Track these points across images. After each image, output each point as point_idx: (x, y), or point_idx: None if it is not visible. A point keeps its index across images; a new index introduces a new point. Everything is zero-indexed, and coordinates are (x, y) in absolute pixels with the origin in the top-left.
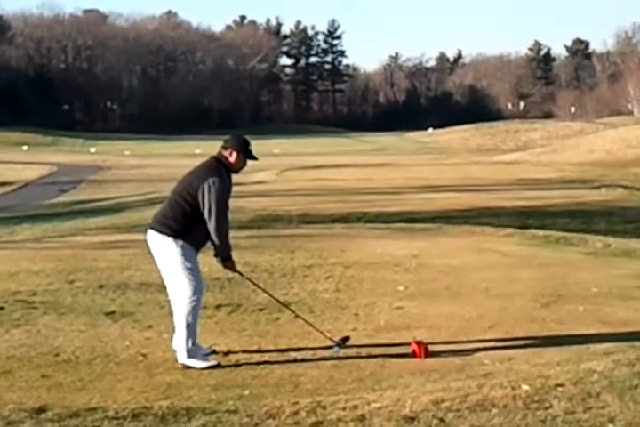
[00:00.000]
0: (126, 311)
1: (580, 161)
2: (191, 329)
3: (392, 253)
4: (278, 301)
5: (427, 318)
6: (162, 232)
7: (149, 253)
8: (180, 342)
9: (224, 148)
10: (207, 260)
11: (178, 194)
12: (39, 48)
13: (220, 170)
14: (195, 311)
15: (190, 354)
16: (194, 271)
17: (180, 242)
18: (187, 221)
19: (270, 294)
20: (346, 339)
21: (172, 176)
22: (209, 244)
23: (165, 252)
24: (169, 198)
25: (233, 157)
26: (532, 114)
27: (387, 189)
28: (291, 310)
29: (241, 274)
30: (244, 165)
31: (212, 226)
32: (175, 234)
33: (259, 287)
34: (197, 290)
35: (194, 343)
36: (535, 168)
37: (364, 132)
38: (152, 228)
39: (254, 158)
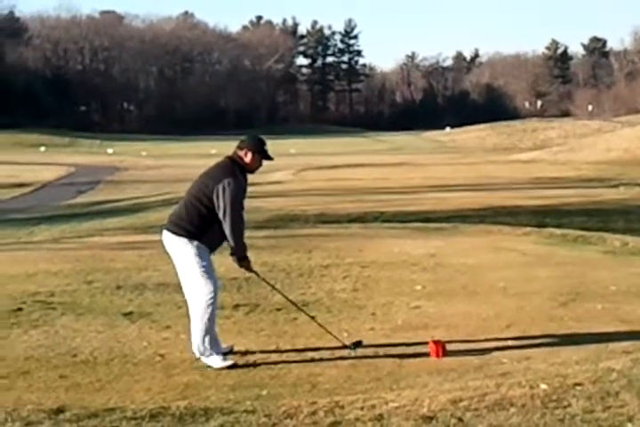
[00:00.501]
0: (144, 312)
1: (597, 160)
2: (209, 329)
3: (409, 253)
4: (292, 302)
5: (444, 318)
6: (177, 233)
7: (166, 253)
8: (197, 342)
9: (239, 148)
10: (224, 260)
11: (193, 195)
12: (56, 49)
13: (235, 171)
14: (212, 311)
15: (208, 353)
16: (209, 271)
17: (196, 243)
18: (202, 223)
19: (285, 296)
20: (358, 343)
21: (188, 176)
22: (225, 244)
23: (181, 252)
24: (184, 200)
25: (248, 158)
26: (549, 113)
27: (403, 188)
28: (304, 311)
29: (257, 274)
30: (260, 165)
31: (227, 227)
32: (190, 235)
33: (274, 288)
34: (213, 290)
35: (212, 343)
36: (552, 167)
37: (381, 132)
38: (167, 229)
39: (270, 158)
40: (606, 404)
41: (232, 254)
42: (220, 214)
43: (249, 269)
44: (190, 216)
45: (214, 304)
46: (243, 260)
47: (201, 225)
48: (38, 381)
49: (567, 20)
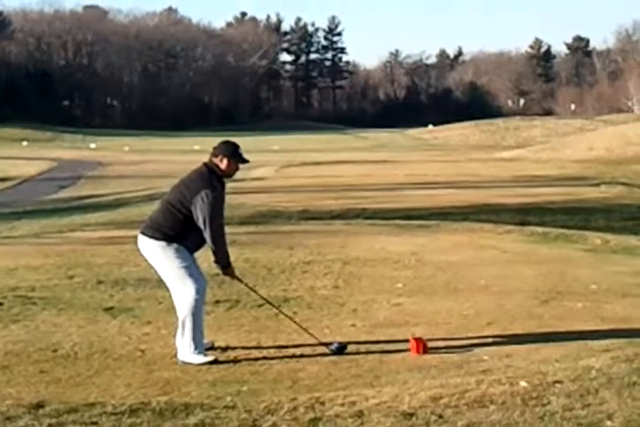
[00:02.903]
0: (125, 307)
1: (579, 158)
2: (197, 328)
3: (391, 250)
4: (271, 303)
5: (425, 315)
6: (155, 237)
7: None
8: (186, 341)
9: (214, 155)
10: (207, 255)
11: (170, 204)
12: (39, 44)
13: (212, 180)
14: (199, 310)
15: (198, 351)
16: (193, 270)
17: (175, 245)
18: (181, 229)
19: (265, 298)
20: (342, 347)
21: (171, 172)
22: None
23: (160, 256)
24: (161, 206)
25: (224, 164)
26: (531, 111)
27: (386, 185)
28: (282, 313)
29: (240, 280)
30: (237, 169)
31: (208, 237)
32: (169, 238)
33: (255, 292)
34: (200, 289)
35: (198, 342)
36: (535, 165)
37: (364, 129)
38: (143, 233)
39: (246, 161)
40: (586, 402)
41: (216, 262)
42: (201, 225)
43: (232, 275)
44: (169, 222)
45: (201, 304)
46: (226, 268)
47: (180, 230)
48: (18, 375)
49: (550, 19)
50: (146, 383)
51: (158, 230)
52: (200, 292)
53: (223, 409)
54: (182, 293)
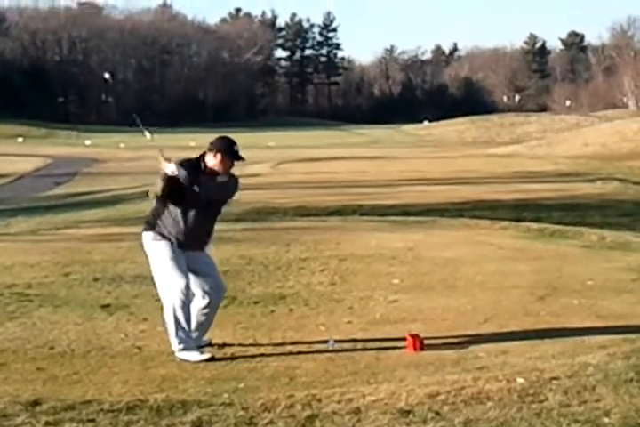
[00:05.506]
0: (121, 304)
1: (575, 154)
2: (179, 325)
3: (387, 246)
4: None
5: (422, 312)
6: (145, 229)
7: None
8: (170, 339)
9: (209, 150)
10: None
11: None
12: (34, 40)
13: (196, 166)
14: (180, 308)
15: (182, 347)
16: (175, 268)
17: (165, 241)
18: (161, 215)
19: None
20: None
21: None
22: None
23: (149, 250)
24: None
25: (218, 159)
26: (527, 107)
27: (382, 181)
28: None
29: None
30: (231, 165)
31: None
32: (149, 226)
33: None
34: (180, 287)
35: (185, 339)
36: (530, 161)
37: (360, 125)
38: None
39: (240, 159)
40: (582, 398)
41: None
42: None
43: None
44: (153, 210)
45: (183, 300)
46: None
47: (159, 216)
48: (15, 373)
49: (545, 14)
50: (143, 380)
51: (146, 221)
52: (179, 290)
53: (220, 406)
54: (163, 289)
